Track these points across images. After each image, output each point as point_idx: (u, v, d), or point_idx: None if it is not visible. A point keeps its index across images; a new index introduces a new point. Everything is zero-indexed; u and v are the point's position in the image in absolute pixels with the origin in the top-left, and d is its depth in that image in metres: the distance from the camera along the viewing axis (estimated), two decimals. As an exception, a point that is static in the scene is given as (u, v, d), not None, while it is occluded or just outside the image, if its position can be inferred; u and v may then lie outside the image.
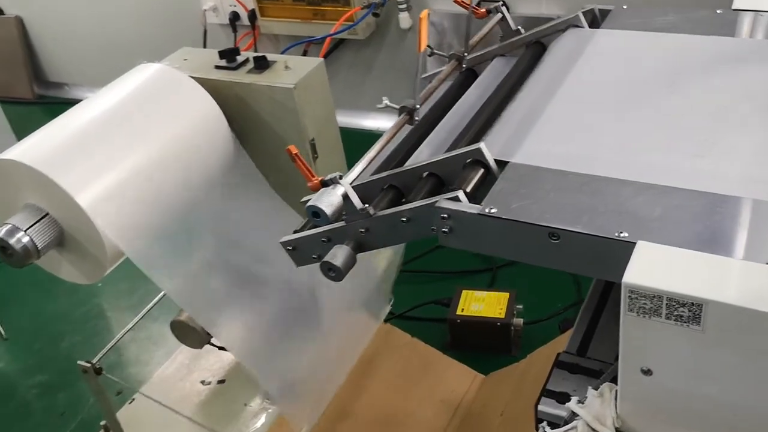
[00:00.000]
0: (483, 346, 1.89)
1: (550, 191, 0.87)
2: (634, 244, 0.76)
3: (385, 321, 1.80)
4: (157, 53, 1.48)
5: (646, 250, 0.75)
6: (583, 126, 1.00)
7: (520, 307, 1.89)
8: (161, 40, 3.04)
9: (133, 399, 1.68)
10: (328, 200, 0.92)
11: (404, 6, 2.77)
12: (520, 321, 1.88)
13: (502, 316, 1.87)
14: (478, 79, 1.29)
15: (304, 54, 2.85)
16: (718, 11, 1.29)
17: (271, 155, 1.40)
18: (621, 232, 0.79)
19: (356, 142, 1.35)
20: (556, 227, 0.81)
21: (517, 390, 1.57)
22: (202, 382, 1.71)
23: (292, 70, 1.38)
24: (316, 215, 0.92)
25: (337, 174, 0.94)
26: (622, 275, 0.72)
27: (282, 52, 2.84)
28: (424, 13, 1.13)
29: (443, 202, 0.88)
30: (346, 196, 0.93)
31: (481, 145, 0.93)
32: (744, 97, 1.01)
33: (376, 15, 2.77)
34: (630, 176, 0.88)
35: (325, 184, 0.94)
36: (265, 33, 2.93)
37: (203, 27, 3.01)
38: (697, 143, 0.93)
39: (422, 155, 1.09)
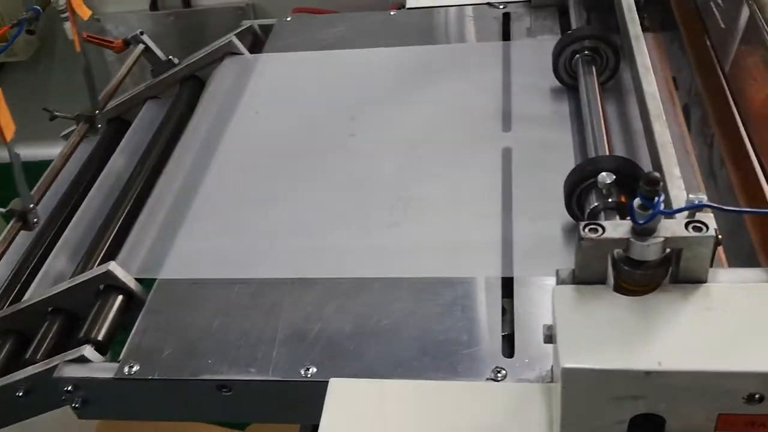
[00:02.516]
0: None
1: (214, 318, 0.66)
2: (326, 382, 0.58)
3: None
4: None
5: (340, 388, 0.58)
6: (250, 205, 0.79)
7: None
8: None
9: None
10: None
11: (66, 15, 2.36)
12: None
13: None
14: (126, 136, 1.04)
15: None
16: (392, 13, 1.16)
17: None
18: (308, 368, 0.61)
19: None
20: (224, 379, 0.61)
21: None
22: None
23: None
24: None
25: None
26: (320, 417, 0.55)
27: None
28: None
29: (65, 366, 0.63)
30: None
31: (111, 266, 0.69)
32: (424, 126, 0.88)
33: (30, 32, 2.35)
34: (315, 271, 0.69)
35: None
36: None
37: None
38: (389, 207, 0.77)
39: (56, 266, 0.82)
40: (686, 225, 0.46)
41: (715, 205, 0.47)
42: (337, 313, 0.65)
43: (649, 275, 0.47)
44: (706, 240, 0.46)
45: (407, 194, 0.79)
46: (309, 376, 0.60)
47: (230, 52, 1.08)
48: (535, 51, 0.97)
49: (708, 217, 0.52)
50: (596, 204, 0.65)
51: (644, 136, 0.69)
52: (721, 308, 0.46)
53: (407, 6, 1.16)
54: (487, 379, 0.59)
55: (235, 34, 1.11)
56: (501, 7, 1.11)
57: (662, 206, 0.45)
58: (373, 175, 0.82)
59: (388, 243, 0.73)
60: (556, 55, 0.88)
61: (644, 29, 0.99)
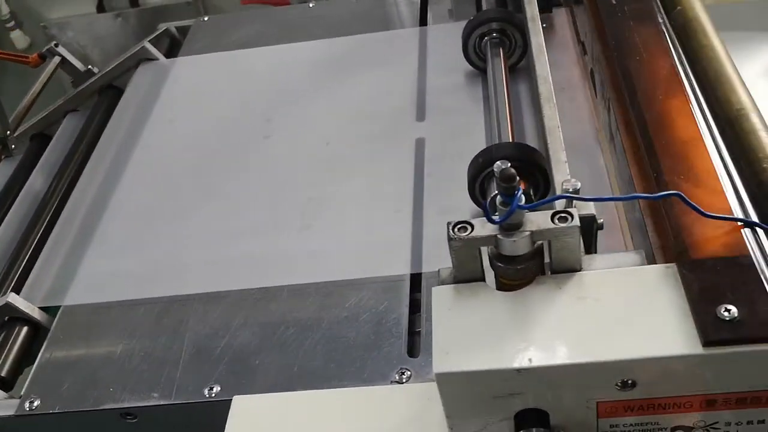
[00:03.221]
0: None
1: (117, 343, 0.65)
2: (230, 401, 0.58)
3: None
4: None
5: (244, 405, 0.58)
6: (160, 219, 0.78)
7: None
8: None
9: None
10: None
11: (12, 24, 2.31)
12: None
13: None
14: (45, 153, 1.02)
15: None
16: (311, 5, 1.15)
17: None
18: (212, 388, 0.60)
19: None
20: (127, 406, 0.60)
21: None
22: None
23: None
24: None
25: None
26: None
27: None
28: None
29: (-36, 404, 0.63)
30: None
31: (10, 297, 0.69)
32: (338, 121, 0.88)
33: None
34: (223, 284, 0.69)
35: None
36: None
37: None
38: (300, 210, 0.77)
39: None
40: (552, 216, 0.46)
41: (571, 195, 0.47)
42: (243, 326, 0.65)
43: (522, 269, 0.47)
44: (571, 230, 0.46)
45: (319, 195, 0.78)
46: (213, 395, 0.60)
47: (145, 58, 1.07)
48: (451, 35, 0.96)
49: (587, 206, 0.52)
50: (496, 192, 0.65)
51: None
52: (592, 297, 0.46)
53: (326, -5, 1.16)
54: (392, 381, 0.59)
55: (150, 39, 1.10)
56: (419, -9, 1.11)
57: (522, 200, 0.45)
58: (286, 177, 0.82)
59: (297, 248, 0.72)
60: (465, 38, 0.88)
61: (558, 4, 0.99)
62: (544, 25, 0.96)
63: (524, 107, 0.84)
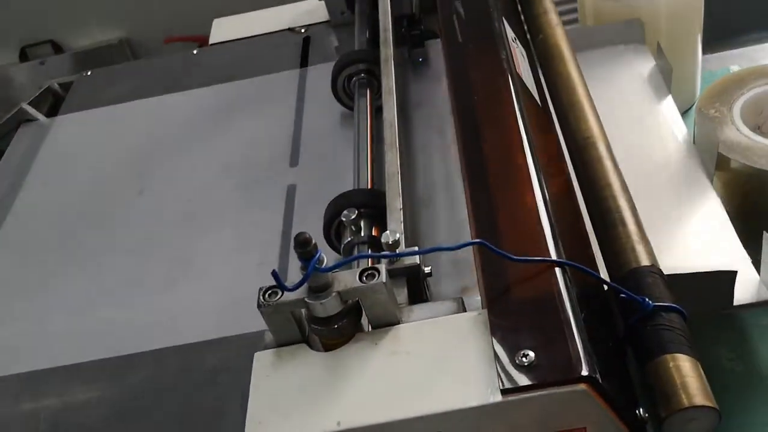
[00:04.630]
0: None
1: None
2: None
3: None
4: None
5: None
6: (22, 290, 0.78)
7: None
8: None
9: None
10: None
11: None
12: None
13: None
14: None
15: None
16: (194, 51, 1.16)
17: None
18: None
19: None
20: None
21: None
22: None
23: None
24: None
25: None
26: None
27: None
28: None
29: None
30: None
31: None
32: (213, 173, 0.89)
33: None
34: (81, 355, 0.69)
35: None
36: None
37: None
38: (167, 268, 0.77)
39: None
40: (360, 274, 0.48)
41: (370, 254, 0.49)
42: (97, 402, 0.65)
43: (338, 329, 0.48)
44: (377, 287, 0.47)
45: (187, 252, 0.79)
46: None
47: (25, 119, 1.07)
48: (330, 75, 0.98)
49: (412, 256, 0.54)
50: (349, 239, 0.67)
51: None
52: (405, 351, 0.48)
53: (210, 42, 1.17)
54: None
55: (31, 100, 1.10)
56: (302, 30, 1.12)
57: (324, 262, 0.46)
58: (155, 235, 0.82)
59: (162, 309, 0.73)
60: (334, 80, 0.89)
61: (433, 36, 1.02)
62: (420, 59, 0.99)
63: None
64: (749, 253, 0.66)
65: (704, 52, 1.10)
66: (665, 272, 0.58)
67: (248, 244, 0.78)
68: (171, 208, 0.85)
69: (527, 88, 0.73)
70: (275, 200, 0.83)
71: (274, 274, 0.47)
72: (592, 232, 0.64)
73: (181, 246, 0.79)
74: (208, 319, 0.71)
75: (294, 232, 0.78)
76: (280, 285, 0.46)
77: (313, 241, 0.46)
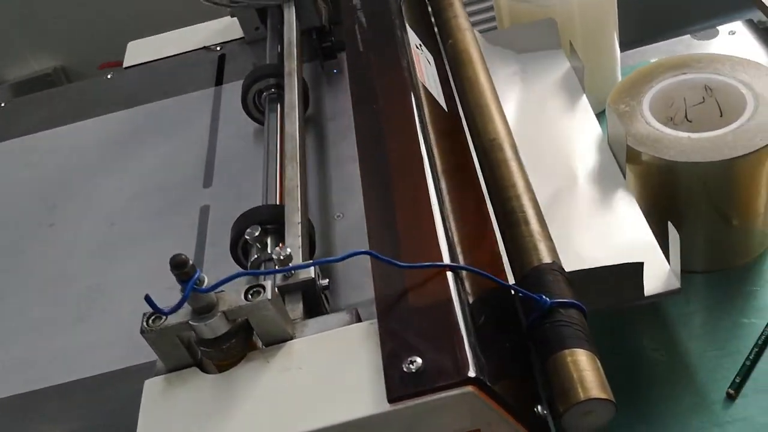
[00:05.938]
0: None
1: None
2: None
3: None
4: None
5: None
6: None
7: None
8: None
9: None
10: None
11: None
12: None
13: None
14: None
15: None
16: (108, 76, 1.15)
17: None
18: None
19: None
20: None
21: None
22: None
23: None
24: None
25: None
26: None
27: None
28: None
29: None
30: None
31: None
32: (125, 200, 0.88)
33: None
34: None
35: None
36: None
37: None
38: (76, 301, 0.76)
39: None
40: (246, 292, 0.47)
41: (250, 272, 0.49)
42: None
43: (226, 349, 0.48)
44: (262, 305, 0.47)
45: (99, 282, 0.78)
46: None
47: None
48: (245, 92, 0.98)
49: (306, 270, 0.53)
50: (255, 257, 0.66)
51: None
52: (297, 366, 0.48)
53: (124, 65, 1.16)
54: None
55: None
56: (218, 48, 1.12)
57: (204, 283, 0.46)
58: (66, 267, 0.81)
59: (69, 343, 0.72)
60: (244, 96, 0.89)
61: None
62: (335, 71, 0.99)
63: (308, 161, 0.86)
64: (664, 244, 0.67)
65: (624, 48, 1.13)
66: (579, 268, 0.58)
67: (161, 270, 0.77)
68: (83, 240, 0.84)
69: (431, 94, 0.74)
70: (188, 222, 0.82)
71: (147, 298, 0.46)
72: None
73: (94, 277, 0.78)
74: (117, 349, 0.70)
75: (207, 254, 0.78)
76: (155, 309, 0.46)
77: (190, 262, 0.45)
